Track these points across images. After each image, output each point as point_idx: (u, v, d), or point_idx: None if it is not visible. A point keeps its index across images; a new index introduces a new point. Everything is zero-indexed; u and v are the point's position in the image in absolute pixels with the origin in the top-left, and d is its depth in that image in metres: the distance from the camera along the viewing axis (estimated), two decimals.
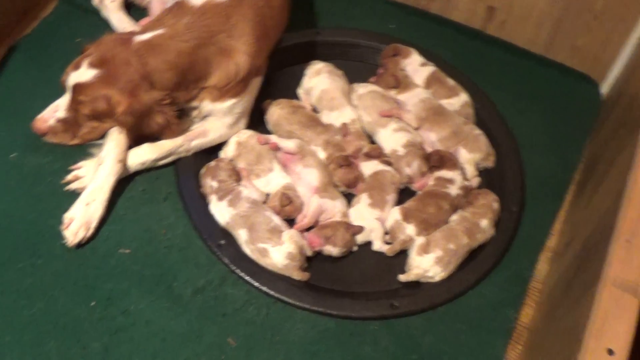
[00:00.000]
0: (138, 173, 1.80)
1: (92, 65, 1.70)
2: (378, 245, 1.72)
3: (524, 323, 1.66)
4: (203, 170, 1.78)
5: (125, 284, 1.62)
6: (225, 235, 1.70)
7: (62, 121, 1.77)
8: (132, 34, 1.77)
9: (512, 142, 1.94)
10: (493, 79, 2.09)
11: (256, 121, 1.91)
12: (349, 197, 1.80)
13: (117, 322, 1.57)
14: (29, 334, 1.54)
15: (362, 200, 1.76)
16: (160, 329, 1.57)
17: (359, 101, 1.94)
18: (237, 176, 1.78)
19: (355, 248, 1.72)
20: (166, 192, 1.78)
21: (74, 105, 1.73)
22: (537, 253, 1.78)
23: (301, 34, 2.11)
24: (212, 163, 1.79)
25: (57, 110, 1.77)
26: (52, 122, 1.77)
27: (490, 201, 1.77)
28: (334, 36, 2.12)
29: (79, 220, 1.67)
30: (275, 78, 1.99)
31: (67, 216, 1.67)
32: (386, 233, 1.74)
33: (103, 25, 2.09)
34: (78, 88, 1.70)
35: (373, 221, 1.73)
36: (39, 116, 1.79)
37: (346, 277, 1.70)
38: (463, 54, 2.15)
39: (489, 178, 1.88)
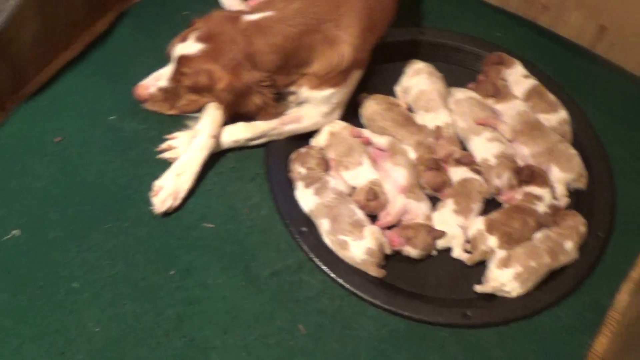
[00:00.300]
0: (229, 150, 1.82)
1: (199, 39, 1.74)
2: (458, 253, 1.70)
3: (598, 352, 1.62)
4: (293, 156, 1.79)
5: (205, 258, 1.65)
6: (308, 223, 1.71)
7: (163, 90, 1.81)
8: (241, 13, 1.79)
9: (606, 167, 1.89)
10: (595, 100, 2.04)
11: (350, 113, 1.91)
12: (433, 201, 1.79)
13: (193, 293, 1.60)
14: (108, 293, 1.58)
15: (447, 206, 1.74)
16: (234, 306, 1.59)
17: (455, 106, 1.92)
18: (325, 165, 1.78)
19: (434, 252, 1.71)
20: (254, 173, 1.80)
21: (177, 76, 1.77)
22: (618, 282, 1.73)
23: (405, 32, 2.10)
24: (303, 150, 1.80)
25: (159, 79, 1.82)
26: (153, 90, 1.82)
27: (577, 223, 1.74)
28: (437, 37, 2.11)
29: (168, 190, 1.70)
30: (374, 72, 1.98)
31: (157, 184, 1.71)
32: (467, 241, 1.72)
33: (211, 1, 2.11)
34: (183, 60, 1.74)
35: (455, 228, 1.71)
36: (141, 83, 1.83)
37: (421, 280, 1.69)
38: (567, 71, 2.11)
39: (578, 200, 1.84)
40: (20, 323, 1.53)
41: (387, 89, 1.99)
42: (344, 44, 1.76)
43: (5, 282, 1.58)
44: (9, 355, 1.49)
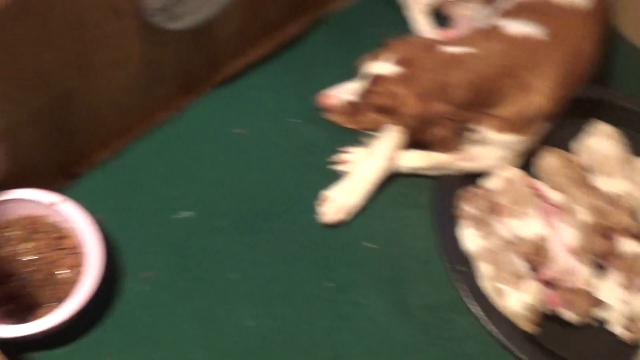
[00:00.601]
0: (400, 175, 1.82)
1: (395, 61, 1.75)
2: (616, 328, 1.65)
3: None
4: (463, 194, 1.78)
5: (361, 277, 1.66)
6: (466, 263, 1.70)
7: (348, 104, 1.84)
8: (439, 42, 1.80)
9: None
10: None
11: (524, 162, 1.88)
12: (600, 268, 1.73)
13: (345, 310, 1.61)
14: (265, 291, 1.62)
15: (613, 277, 1.69)
16: (383, 331, 1.60)
17: (637, 176, 1.86)
18: (494, 210, 1.76)
19: (591, 321, 1.66)
20: (421, 202, 1.80)
21: (367, 93, 1.79)
22: None
23: (591, 89, 2.04)
24: (474, 189, 1.79)
25: (346, 92, 1.85)
26: (338, 101, 1.85)
27: None
28: (626, 101, 2.04)
29: (336, 203, 1.72)
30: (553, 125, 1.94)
31: (326, 195, 1.74)
32: (628, 318, 1.66)
33: (402, 22, 2.12)
34: (376, 79, 1.76)
35: (618, 301, 1.66)
36: (327, 92, 1.87)
37: (572, 346, 1.64)
38: None
39: None
40: (178, 301, 1.59)
41: (565, 145, 1.94)
42: (538, 93, 1.74)
43: (169, 258, 1.65)
44: (164, 329, 1.55)
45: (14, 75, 1.46)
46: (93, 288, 1.49)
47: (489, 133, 1.79)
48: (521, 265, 1.67)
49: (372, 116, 1.81)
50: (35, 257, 1.58)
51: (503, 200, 1.78)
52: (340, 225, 1.73)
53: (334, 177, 1.78)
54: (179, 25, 1.67)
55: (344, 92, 1.85)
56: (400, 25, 2.10)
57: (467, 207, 1.75)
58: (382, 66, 1.76)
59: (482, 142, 1.81)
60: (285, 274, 1.64)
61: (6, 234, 1.61)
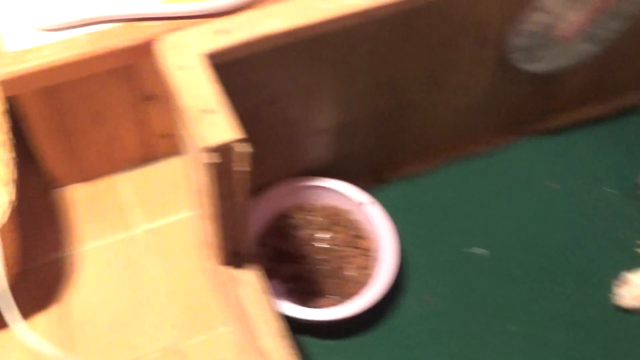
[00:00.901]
0: None
1: None
2: None
3: None
4: None
5: None
6: None
7: None
8: None
9: None
10: None
11: None
12: None
13: None
14: (539, 355, 1.55)
15: None
16: None
17: None
18: None
19: None
20: None
21: None
22: None
23: None
24: None
25: None
26: None
27: None
28: None
29: (637, 289, 1.62)
30: None
31: (627, 276, 1.64)
32: None
33: None
34: None
35: None
36: None
37: None
38: None
39: None
40: (448, 335, 1.57)
41: None
42: None
43: (452, 290, 1.63)
44: (425, 357, 1.55)
45: (374, 78, 1.52)
46: (381, 294, 1.51)
47: None
48: None
49: None
50: (329, 247, 1.64)
51: None
52: (635, 312, 1.62)
53: (639, 261, 1.68)
54: (532, 67, 1.66)
55: None
56: None
57: None
58: None
59: None
60: (564, 342, 1.57)
61: (309, 217, 1.68)
